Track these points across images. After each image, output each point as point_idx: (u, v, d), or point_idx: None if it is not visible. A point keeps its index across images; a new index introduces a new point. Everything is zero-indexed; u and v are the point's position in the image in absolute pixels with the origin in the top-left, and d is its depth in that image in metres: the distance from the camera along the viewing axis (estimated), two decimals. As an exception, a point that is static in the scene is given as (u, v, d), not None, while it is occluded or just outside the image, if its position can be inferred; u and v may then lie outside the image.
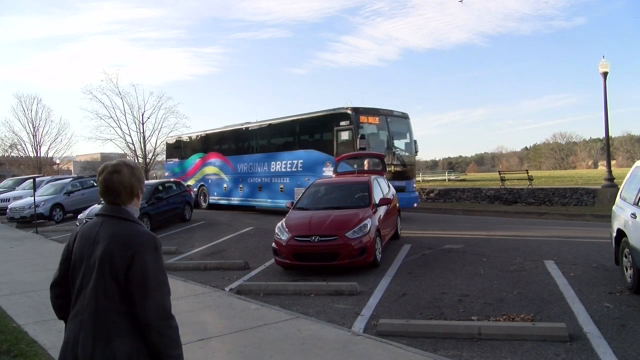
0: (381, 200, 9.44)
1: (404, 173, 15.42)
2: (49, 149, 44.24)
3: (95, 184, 21.01)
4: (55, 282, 2.18)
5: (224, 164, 20.14)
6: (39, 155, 43.57)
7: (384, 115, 15.34)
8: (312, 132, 16.92)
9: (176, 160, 23.90)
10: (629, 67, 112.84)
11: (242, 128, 19.99)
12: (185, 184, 20.12)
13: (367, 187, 9.65)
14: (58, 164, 52.54)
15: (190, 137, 23.84)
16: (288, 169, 16.80)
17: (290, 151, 17.08)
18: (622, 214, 6.54)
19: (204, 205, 21.04)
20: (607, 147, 19.54)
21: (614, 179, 17.04)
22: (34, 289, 7.56)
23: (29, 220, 17.89)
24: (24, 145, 43.37)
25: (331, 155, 14.87)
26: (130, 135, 39.53)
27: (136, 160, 37.33)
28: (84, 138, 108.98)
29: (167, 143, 25.90)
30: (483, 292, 6.68)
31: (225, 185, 19.92)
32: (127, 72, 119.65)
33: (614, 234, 6.78)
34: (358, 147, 13.82)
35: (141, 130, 39.94)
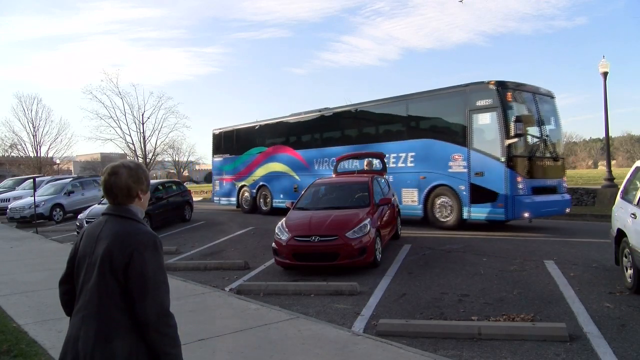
0: (381, 200, 9.44)
1: (555, 169, 12.03)
2: (49, 149, 44.41)
3: (96, 184, 21.10)
4: (62, 279, 2.23)
5: (294, 159, 16.69)
6: (39, 155, 43.66)
7: (531, 92, 11.97)
8: (430, 115, 13.25)
9: (226, 156, 20.12)
10: (629, 67, 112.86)
11: (321, 115, 16.23)
12: (239, 185, 18.85)
13: (367, 187, 9.65)
14: (58, 164, 52.62)
15: (246, 128, 19.64)
16: (392, 165, 13.21)
17: (395, 141, 13.48)
18: (622, 214, 6.54)
19: (264, 209, 17.73)
20: (607, 147, 19.54)
21: (614, 179, 17.03)
22: (34, 289, 7.56)
23: (29, 220, 17.90)
24: (24, 145, 43.52)
25: (461, 145, 11.70)
26: (130, 135, 39.66)
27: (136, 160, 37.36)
28: (84, 138, 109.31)
29: (213, 135, 21.06)
30: (483, 292, 6.68)
31: (296, 186, 16.21)
32: (127, 72, 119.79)
33: (614, 234, 6.78)
34: (513, 132, 10.65)
35: (141, 130, 40.05)
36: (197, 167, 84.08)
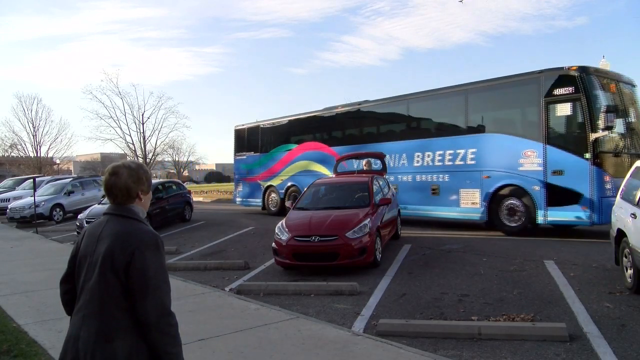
0: (381, 200, 9.45)
1: None
2: (49, 149, 44.44)
3: (96, 184, 21.11)
4: (63, 278, 2.24)
5: (329, 157, 14.98)
6: (39, 155, 43.68)
7: (614, 80, 10.62)
8: (495, 107, 11.92)
9: (250, 154, 18.61)
10: (630, 67, 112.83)
11: (359, 108, 14.90)
12: (265, 185, 17.59)
13: (367, 187, 9.65)
14: (58, 164, 52.61)
15: (273, 124, 18.10)
16: (448, 163, 12.00)
17: (451, 137, 12.18)
18: (622, 214, 6.54)
19: None
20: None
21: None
22: (34, 289, 7.56)
23: (29, 220, 17.90)
24: (24, 145, 43.54)
25: (535, 140, 10.40)
26: (130, 135, 39.72)
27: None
28: (84, 138, 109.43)
29: (236, 132, 19.53)
30: (483, 292, 6.68)
31: None
32: (127, 72, 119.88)
33: (614, 234, 6.78)
34: (603, 125, 9.39)
35: (141, 130, 40.10)
36: (197, 167, 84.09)
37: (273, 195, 17.56)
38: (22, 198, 20.41)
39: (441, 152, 12.12)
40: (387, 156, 12.41)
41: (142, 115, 39.75)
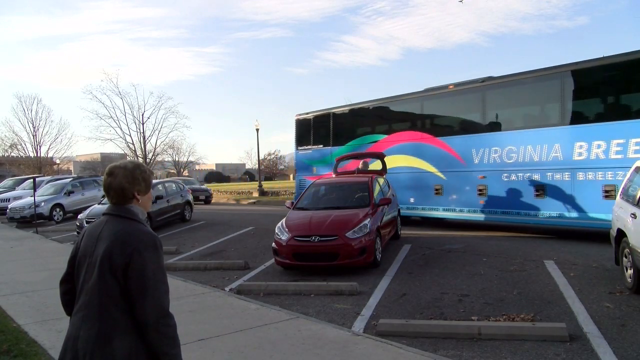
0: (381, 200, 9.45)
1: None
2: (49, 149, 44.43)
3: (96, 184, 21.10)
4: (63, 278, 2.24)
5: (436, 151, 12.35)
6: (39, 155, 43.68)
7: None
8: None
9: (317, 148, 15.66)
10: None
11: (483, 85, 11.60)
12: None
13: (367, 187, 9.65)
14: (58, 164, 52.61)
15: (350, 111, 15.22)
16: (601, 157, 9.36)
17: (615, 121, 9.37)
18: (622, 214, 6.54)
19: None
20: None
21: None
22: (34, 289, 7.56)
23: (29, 220, 17.90)
24: (24, 145, 43.54)
25: None
26: (130, 135, 39.69)
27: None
28: (84, 138, 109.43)
29: (298, 122, 16.63)
30: (483, 292, 6.68)
31: (439, 186, 12.28)
32: (127, 72, 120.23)
33: (614, 234, 6.78)
34: None
35: (141, 130, 40.08)
36: (197, 167, 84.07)
37: None
38: (22, 198, 20.41)
39: (601, 141, 9.35)
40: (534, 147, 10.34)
41: (142, 115, 39.74)
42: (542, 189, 10.34)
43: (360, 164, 12.41)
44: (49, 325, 5.63)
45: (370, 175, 10.58)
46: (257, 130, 33.80)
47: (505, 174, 10.93)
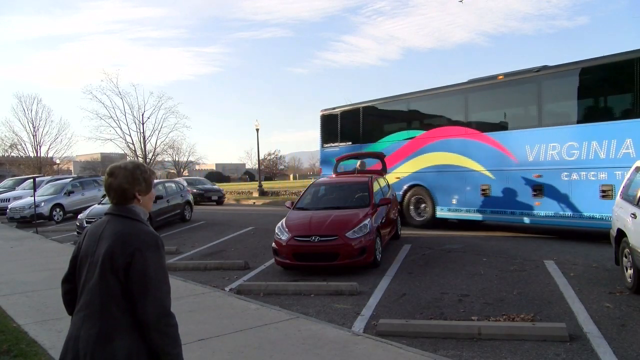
0: (381, 200, 9.45)
1: None
2: (49, 149, 44.40)
3: (96, 184, 21.11)
4: (64, 278, 2.24)
5: (483, 147, 11.32)
6: (39, 155, 43.65)
7: None
8: None
9: (345, 145, 14.53)
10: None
11: (537, 75, 10.45)
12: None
13: (367, 187, 9.66)
14: (58, 164, 52.59)
15: (382, 105, 14.15)
16: None
17: None
18: (622, 214, 6.54)
19: (418, 219, 12.72)
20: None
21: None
22: (34, 289, 7.56)
23: (29, 220, 17.90)
24: (24, 145, 43.52)
25: None
26: (130, 135, 39.66)
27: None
28: (84, 138, 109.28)
29: (323, 118, 15.53)
30: (483, 292, 6.68)
31: (486, 186, 11.20)
32: (127, 72, 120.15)
33: (614, 234, 6.78)
34: None
35: (141, 130, 40.05)
36: (197, 167, 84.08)
37: None
38: (22, 198, 20.41)
39: None
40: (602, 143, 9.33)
41: (142, 115, 39.69)
42: (610, 189, 9.13)
43: (357, 164, 12.36)
44: (49, 325, 5.63)
45: (370, 175, 10.58)
46: (257, 130, 33.80)
47: (565, 173, 9.83)
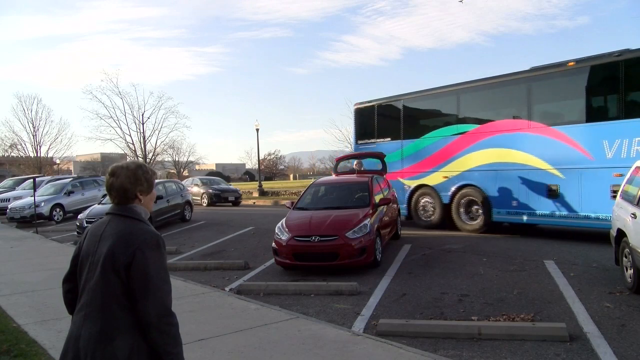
0: (381, 200, 9.45)
1: None
2: (49, 149, 44.41)
3: (96, 184, 21.11)
4: (65, 277, 2.25)
5: (548, 142, 10.08)
6: (39, 155, 43.65)
7: None
8: None
9: (383, 141, 13.45)
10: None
11: (619, 61, 9.21)
12: (412, 184, 12.61)
13: (367, 187, 9.66)
14: (58, 164, 52.59)
15: (428, 96, 12.85)
16: None
17: None
18: (622, 214, 6.54)
19: (470, 223, 11.57)
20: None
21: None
22: (34, 289, 7.56)
23: (29, 220, 17.89)
24: (24, 145, 43.53)
25: None
26: (130, 135, 39.72)
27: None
28: (84, 138, 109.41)
29: (357, 112, 14.47)
30: (483, 292, 6.68)
31: (555, 186, 10.01)
32: (127, 72, 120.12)
33: (614, 234, 6.78)
34: None
35: (141, 130, 40.12)
36: (197, 167, 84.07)
37: (427, 199, 12.51)
38: (22, 198, 20.40)
39: None
40: None
41: (142, 115, 39.76)
42: None
43: (355, 164, 12.29)
44: (49, 325, 5.63)
45: (370, 175, 10.58)
46: (257, 130, 33.80)
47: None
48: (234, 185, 31.06)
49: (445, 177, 11.97)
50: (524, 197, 10.52)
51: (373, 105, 13.99)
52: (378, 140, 13.66)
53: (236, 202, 25.13)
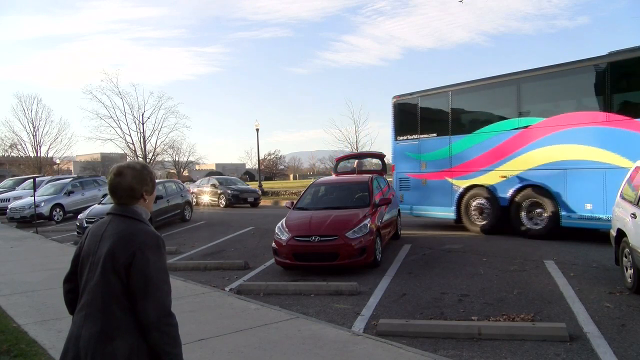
0: (381, 200, 9.45)
1: None
2: (49, 149, 44.38)
3: (96, 184, 21.10)
4: (66, 277, 2.25)
5: (632, 137, 8.90)
6: (39, 155, 43.64)
7: None
8: None
9: (427, 137, 12.34)
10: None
11: None
12: (464, 184, 11.47)
13: (367, 187, 9.66)
14: (58, 164, 52.58)
15: (480, 87, 11.57)
16: None
17: None
18: (622, 214, 6.54)
19: (534, 228, 10.38)
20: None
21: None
22: (34, 289, 7.56)
23: (29, 220, 17.89)
24: (24, 145, 43.51)
25: None
26: (130, 135, 39.72)
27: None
28: (84, 138, 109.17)
29: (397, 106, 13.19)
30: (483, 292, 6.68)
31: None
32: (127, 72, 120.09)
33: (614, 234, 6.78)
34: None
35: (141, 130, 40.11)
36: (197, 167, 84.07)
37: (481, 201, 11.28)
38: (22, 198, 20.40)
39: None
40: None
41: (142, 115, 39.75)
42: None
43: (355, 164, 12.26)
44: (48, 325, 5.63)
45: (371, 175, 10.58)
46: (257, 130, 33.80)
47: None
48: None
49: (504, 176, 10.76)
50: (600, 199, 9.20)
51: (415, 98, 12.72)
52: (421, 136, 12.46)
53: (255, 203, 23.45)
